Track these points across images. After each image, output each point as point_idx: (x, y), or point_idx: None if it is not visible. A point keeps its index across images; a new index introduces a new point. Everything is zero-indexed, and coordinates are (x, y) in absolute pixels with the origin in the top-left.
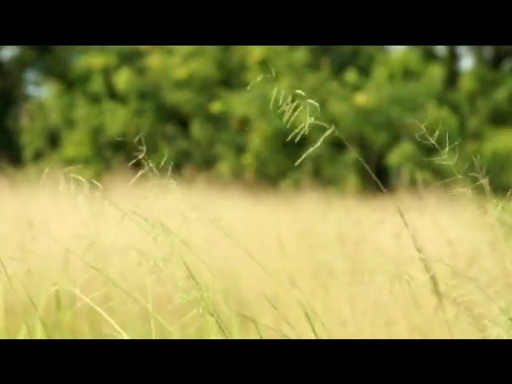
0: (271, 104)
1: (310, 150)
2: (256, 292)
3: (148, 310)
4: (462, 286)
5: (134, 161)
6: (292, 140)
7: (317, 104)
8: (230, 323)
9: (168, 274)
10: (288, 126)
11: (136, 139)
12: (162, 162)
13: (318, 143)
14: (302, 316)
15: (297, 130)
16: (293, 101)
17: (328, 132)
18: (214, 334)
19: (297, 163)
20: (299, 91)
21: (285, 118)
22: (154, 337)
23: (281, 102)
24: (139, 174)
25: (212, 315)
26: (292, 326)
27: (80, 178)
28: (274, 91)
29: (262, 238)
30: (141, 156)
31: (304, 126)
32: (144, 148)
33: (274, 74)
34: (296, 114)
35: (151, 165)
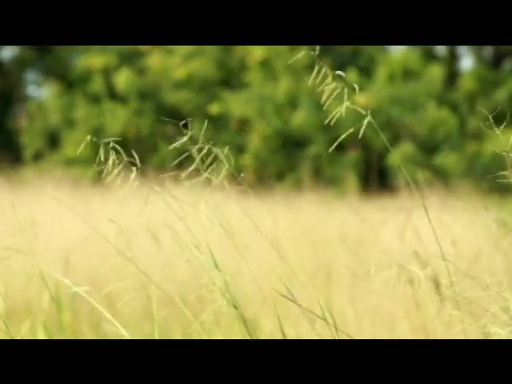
0: (311, 81)
1: (347, 133)
2: (257, 291)
3: (155, 305)
4: (465, 286)
5: (180, 142)
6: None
7: (357, 87)
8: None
9: (200, 262)
10: (325, 107)
11: (181, 123)
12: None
13: (362, 129)
14: (303, 316)
15: (333, 114)
16: (333, 81)
17: (365, 117)
18: (236, 326)
19: (332, 148)
20: (339, 72)
21: (323, 99)
22: (156, 334)
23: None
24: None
25: (235, 307)
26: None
27: (119, 147)
28: (315, 70)
29: (261, 238)
30: (184, 139)
31: (340, 110)
32: (189, 132)
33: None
34: (333, 95)
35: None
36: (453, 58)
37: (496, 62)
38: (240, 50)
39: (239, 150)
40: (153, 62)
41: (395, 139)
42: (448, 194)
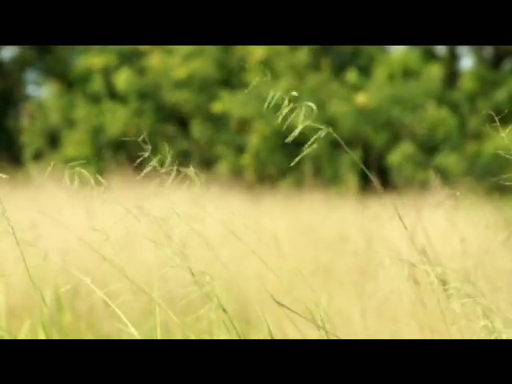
0: (266, 105)
1: (305, 151)
2: (258, 291)
3: (156, 306)
4: (471, 286)
5: (139, 160)
6: (291, 140)
7: (313, 106)
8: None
9: (183, 268)
10: (285, 128)
11: (140, 138)
12: (167, 160)
13: (313, 145)
14: (305, 316)
15: (294, 133)
16: (290, 103)
17: (322, 132)
18: (225, 330)
19: (293, 163)
20: (294, 93)
21: (281, 120)
22: (158, 334)
23: (277, 103)
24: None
25: (225, 311)
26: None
27: (85, 172)
28: (271, 94)
29: (262, 238)
30: (146, 154)
31: (299, 128)
32: (149, 147)
33: (274, 75)
34: (293, 115)
35: (155, 163)
36: (453, 58)
37: (496, 62)
38: (240, 50)
39: (239, 149)
40: (153, 62)
41: (395, 139)
42: (448, 193)
